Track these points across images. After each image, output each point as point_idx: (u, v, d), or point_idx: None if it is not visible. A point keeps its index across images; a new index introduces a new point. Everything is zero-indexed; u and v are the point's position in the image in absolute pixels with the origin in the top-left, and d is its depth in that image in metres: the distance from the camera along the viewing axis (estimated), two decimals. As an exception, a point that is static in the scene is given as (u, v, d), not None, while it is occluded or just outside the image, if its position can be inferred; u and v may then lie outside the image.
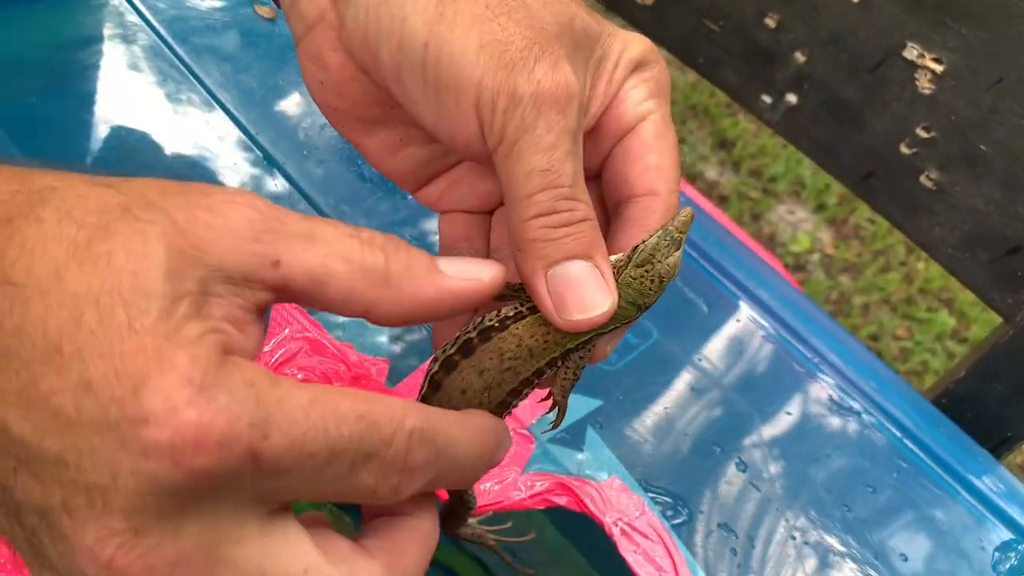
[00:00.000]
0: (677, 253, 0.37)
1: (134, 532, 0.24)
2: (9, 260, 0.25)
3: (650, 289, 0.36)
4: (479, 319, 0.37)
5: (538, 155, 0.33)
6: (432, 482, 0.30)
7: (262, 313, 0.29)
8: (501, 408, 0.38)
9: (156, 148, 0.66)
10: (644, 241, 0.36)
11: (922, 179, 0.68)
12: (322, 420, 0.26)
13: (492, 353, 0.36)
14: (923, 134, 0.67)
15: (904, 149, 0.68)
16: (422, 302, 0.31)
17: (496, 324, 0.36)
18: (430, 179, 0.43)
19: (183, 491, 0.24)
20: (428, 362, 0.38)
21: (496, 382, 0.36)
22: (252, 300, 0.28)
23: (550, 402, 0.41)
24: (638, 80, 0.38)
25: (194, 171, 0.65)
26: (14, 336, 0.24)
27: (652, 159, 0.37)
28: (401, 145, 0.41)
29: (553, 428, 0.42)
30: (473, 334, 0.36)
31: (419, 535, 0.32)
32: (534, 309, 0.36)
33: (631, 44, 0.37)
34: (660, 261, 0.36)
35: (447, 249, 0.43)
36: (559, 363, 0.37)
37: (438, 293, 0.31)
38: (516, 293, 0.37)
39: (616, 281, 0.36)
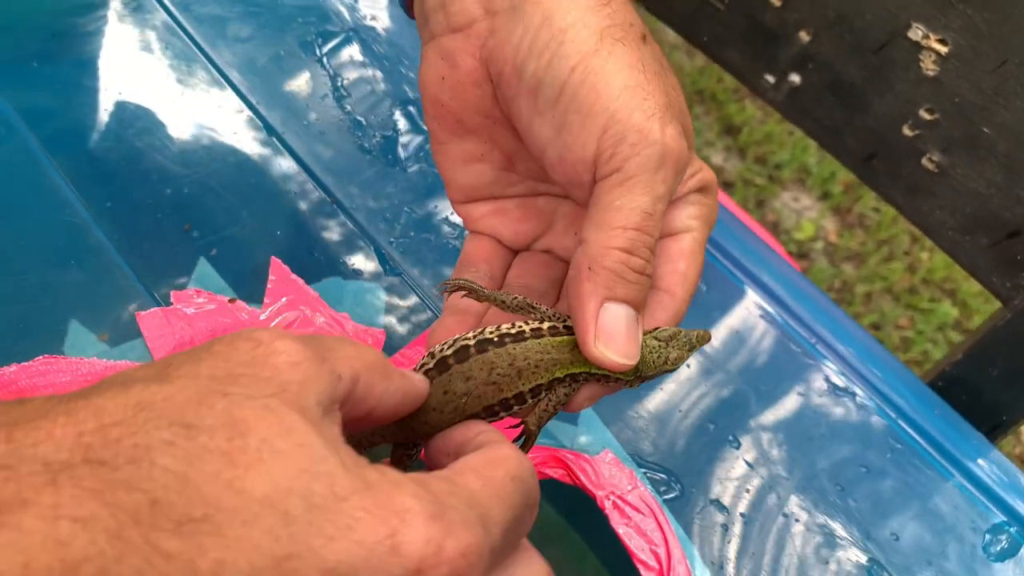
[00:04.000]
0: (687, 354, 0.41)
1: None
2: (171, 498, 0.23)
3: (654, 364, 0.40)
4: (479, 330, 0.39)
5: (646, 197, 0.36)
6: None
7: None
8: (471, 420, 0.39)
9: (155, 115, 0.66)
10: (665, 327, 0.41)
11: (924, 161, 0.68)
12: (502, 499, 0.29)
13: (483, 365, 0.38)
14: (926, 116, 0.67)
15: (907, 131, 0.68)
16: (404, 390, 0.34)
17: (495, 339, 0.39)
18: (481, 199, 0.46)
19: None
20: (424, 338, 0.39)
21: (477, 392, 0.38)
22: (340, 421, 0.29)
23: (520, 430, 0.42)
24: (697, 199, 0.42)
25: (193, 139, 0.65)
26: (218, 572, 0.22)
27: (681, 265, 0.41)
28: (479, 159, 0.45)
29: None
30: (471, 342, 0.39)
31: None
32: (536, 333, 0.39)
33: (705, 169, 0.42)
34: (673, 348, 0.41)
35: (467, 264, 0.46)
36: (542, 393, 0.39)
37: (411, 384, 0.35)
38: (531, 309, 0.40)
39: None
